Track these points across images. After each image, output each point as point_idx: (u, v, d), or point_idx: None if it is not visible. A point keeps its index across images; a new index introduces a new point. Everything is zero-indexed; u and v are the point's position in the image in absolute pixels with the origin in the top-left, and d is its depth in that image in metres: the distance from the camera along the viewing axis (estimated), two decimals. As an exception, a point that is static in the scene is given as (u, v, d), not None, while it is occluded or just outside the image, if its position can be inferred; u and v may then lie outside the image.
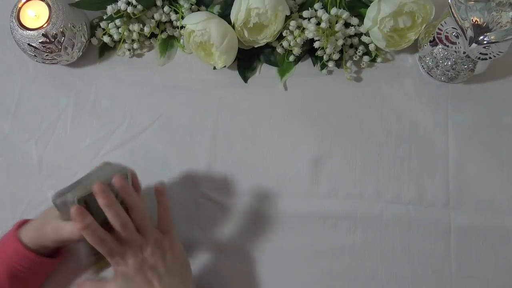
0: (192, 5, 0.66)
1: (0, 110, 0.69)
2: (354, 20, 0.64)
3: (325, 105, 0.66)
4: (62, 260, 0.60)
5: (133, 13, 0.64)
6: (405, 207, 0.62)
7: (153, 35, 0.69)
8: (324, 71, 0.67)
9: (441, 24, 0.58)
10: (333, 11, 0.62)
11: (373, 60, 0.66)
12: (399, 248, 0.61)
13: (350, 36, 0.65)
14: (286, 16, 0.62)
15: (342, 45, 0.64)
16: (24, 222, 0.58)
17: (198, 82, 0.68)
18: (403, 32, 0.63)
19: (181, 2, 0.66)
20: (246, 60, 0.68)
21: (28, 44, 0.63)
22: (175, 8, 0.66)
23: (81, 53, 0.68)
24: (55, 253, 0.58)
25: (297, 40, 0.63)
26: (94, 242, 0.49)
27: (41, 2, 0.63)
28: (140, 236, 0.52)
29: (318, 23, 0.62)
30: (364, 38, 0.64)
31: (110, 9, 0.65)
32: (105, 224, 0.50)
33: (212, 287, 0.61)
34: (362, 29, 0.64)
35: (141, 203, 0.53)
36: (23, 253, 0.55)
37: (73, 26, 0.64)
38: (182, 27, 0.66)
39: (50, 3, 0.63)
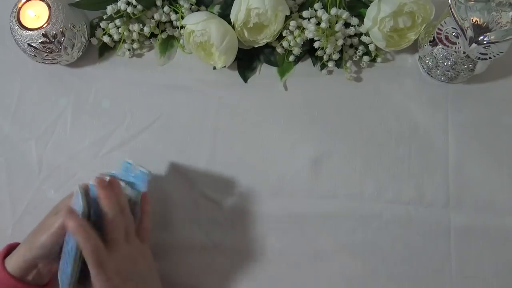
0: (192, 5, 0.66)
1: (0, 110, 0.69)
2: (354, 20, 0.64)
3: (325, 105, 0.66)
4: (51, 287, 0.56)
5: (133, 13, 0.64)
6: (405, 207, 0.62)
7: (153, 35, 0.69)
8: (324, 71, 0.67)
9: (441, 24, 0.58)
10: (333, 11, 0.62)
11: (373, 60, 0.66)
12: (399, 248, 0.61)
13: (350, 36, 0.65)
14: (286, 16, 0.62)
15: (342, 45, 0.64)
16: (9, 249, 0.55)
17: (198, 82, 0.68)
18: (403, 32, 0.63)
19: (181, 2, 0.66)
20: (246, 60, 0.68)
21: (28, 44, 0.63)
22: (175, 8, 0.66)
23: (81, 53, 0.68)
24: (44, 280, 0.55)
25: (297, 40, 0.63)
26: (88, 246, 0.47)
27: (41, 2, 0.63)
28: (126, 244, 0.51)
29: (318, 23, 0.62)
30: (364, 38, 0.64)
31: (110, 9, 0.65)
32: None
33: (212, 287, 0.61)
34: (362, 29, 0.64)
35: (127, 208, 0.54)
36: (12, 285, 0.51)
37: (73, 26, 0.64)
38: (182, 27, 0.66)
39: (50, 3, 0.63)
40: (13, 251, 0.54)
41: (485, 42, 0.53)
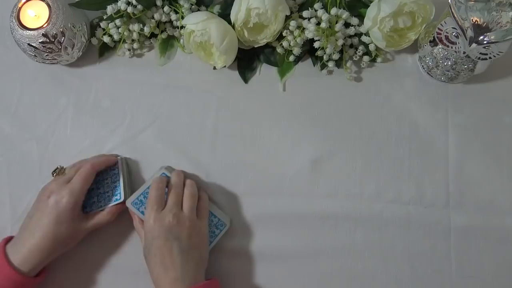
0: (192, 5, 0.66)
1: (0, 110, 0.69)
2: (354, 20, 0.64)
3: (325, 105, 0.66)
4: (43, 279, 0.59)
5: (133, 13, 0.64)
6: (405, 207, 0.62)
7: (153, 35, 0.69)
8: (324, 71, 0.67)
9: (441, 24, 0.58)
10: (333, 11, 0.62)
11: (373, 60, 0.66)
12: (399, 248, 0.61)
13: (350, 36, 0.65)
14: (286, 16, 0.62)
15: (342, 45, 0.64)
16: (7, 242, 0.57)
17: (198, 82, 0.68)
18: (403, 32, 0.63)
19: (181, 2, 0.66)
20: (246, 60, 0.68)
21: (28, 44, 0.63)
22: (175, 8, 0.66)
23: (81, 53, 0.68)
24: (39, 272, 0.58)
25: (297, 40, 0.63)
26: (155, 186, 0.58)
27: (41, 2, 0.63)
28: (179, 208, 0.57)
29: (318, 23, 0.62)
30: (364, 38, 0.64)
31: (110, 9, 0.65)
32: None
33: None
34: (362, 29, 0.64)
35: (195, 186, 0.61)
36: (12, 277, 0.54)
37: (73, 26, 0.64)
38: (182, 27, 0.66)
39: (50, 3, 0.63)
40: (15, 237, 0.57)
41: (485, 42, 0.53)
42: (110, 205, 0.60)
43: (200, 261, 0.57)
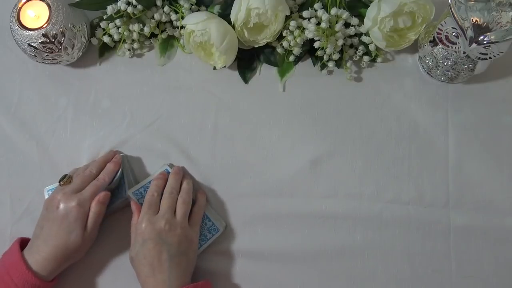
0: (192, 5, 0.66)
1: (0, 110, 0.69)
2: (354, 20, 0.64)
3: (325, 105, 0.66)
4: (56, 283, 0.59)
5: (133, 13, 0.64)
6: (405, 207, 0.62)
7: (153, 35, 0.69)
8: (324, 71, 0.67)
9: (441, 24, 0.58)
10: (333, 11, 0.62)
11: (373, 60, 0.66)
12: (399, 248, 0.61)
13: (350, 36, 0.65)
14: (286, 16, 0.62)
15: (342, 45, 0.64)
16: (22, 242, 0.58)
17: (198, 82, 0.68)
18: (403, 32, 0.63)
19: (181, 2, 0.66)
20: (246, 60, 0.68)
21: (28, 44, 0.63)
22: (175, 8, 0.66)
23: (81, 53, 0.68)
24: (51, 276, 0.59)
25: (297, 40, 0.63)
26: (151, 190, 0.60)
27: (41, 2, 0.63)
28: (172, 213, 0.58)
29: (318, 23, 0.62)
30: (364, 38, 0.64)
31: (110, 9, 0.65)
32: None
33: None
34: (362, 29, 0.64)
35: (190, 192, 0.61)
36: (31, 281, 0.55)
37: (73, 26, 0.64)
38: (182, 27, 0.66)
39: (50, 3, 0.63)
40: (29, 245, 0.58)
41: (485, 42, 0.53)
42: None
43: (188, 266, 0.57)
